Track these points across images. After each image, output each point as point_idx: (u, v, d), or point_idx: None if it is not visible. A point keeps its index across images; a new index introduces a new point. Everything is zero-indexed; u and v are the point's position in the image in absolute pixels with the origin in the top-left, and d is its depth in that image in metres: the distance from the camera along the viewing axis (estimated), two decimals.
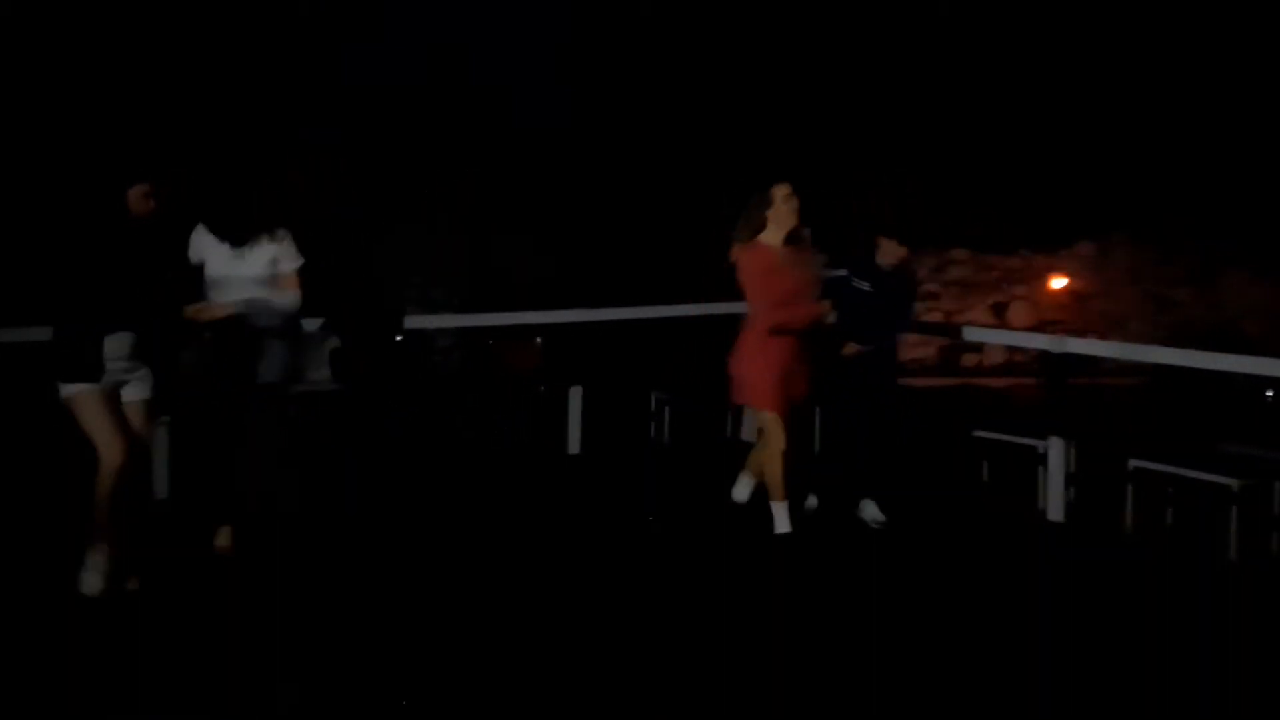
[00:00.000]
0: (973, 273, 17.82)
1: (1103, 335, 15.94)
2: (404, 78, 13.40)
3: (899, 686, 3.96)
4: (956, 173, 15.72)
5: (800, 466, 5.75)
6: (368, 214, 12.69)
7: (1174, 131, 16.01)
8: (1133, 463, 6.10)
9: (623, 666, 4.05)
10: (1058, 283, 17.84)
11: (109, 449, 4.51)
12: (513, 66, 13.92)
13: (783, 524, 5.46)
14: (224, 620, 4.40)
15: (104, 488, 4.51)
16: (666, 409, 8.54)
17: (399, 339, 7.99)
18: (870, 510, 6.02)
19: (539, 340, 8.41)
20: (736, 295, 5.72)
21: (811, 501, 6.12)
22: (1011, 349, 15.60)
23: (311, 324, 6.32)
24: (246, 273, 4.82)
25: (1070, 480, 6.44)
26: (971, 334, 10.54)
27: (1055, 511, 6.41)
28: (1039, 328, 16.33)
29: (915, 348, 16.28)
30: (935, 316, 17.19)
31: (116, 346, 4.54)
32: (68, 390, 4.53)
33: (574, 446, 8.08)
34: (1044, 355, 7.04)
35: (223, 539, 5.00)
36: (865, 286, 6.08)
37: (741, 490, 6.01)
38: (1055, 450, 6.44)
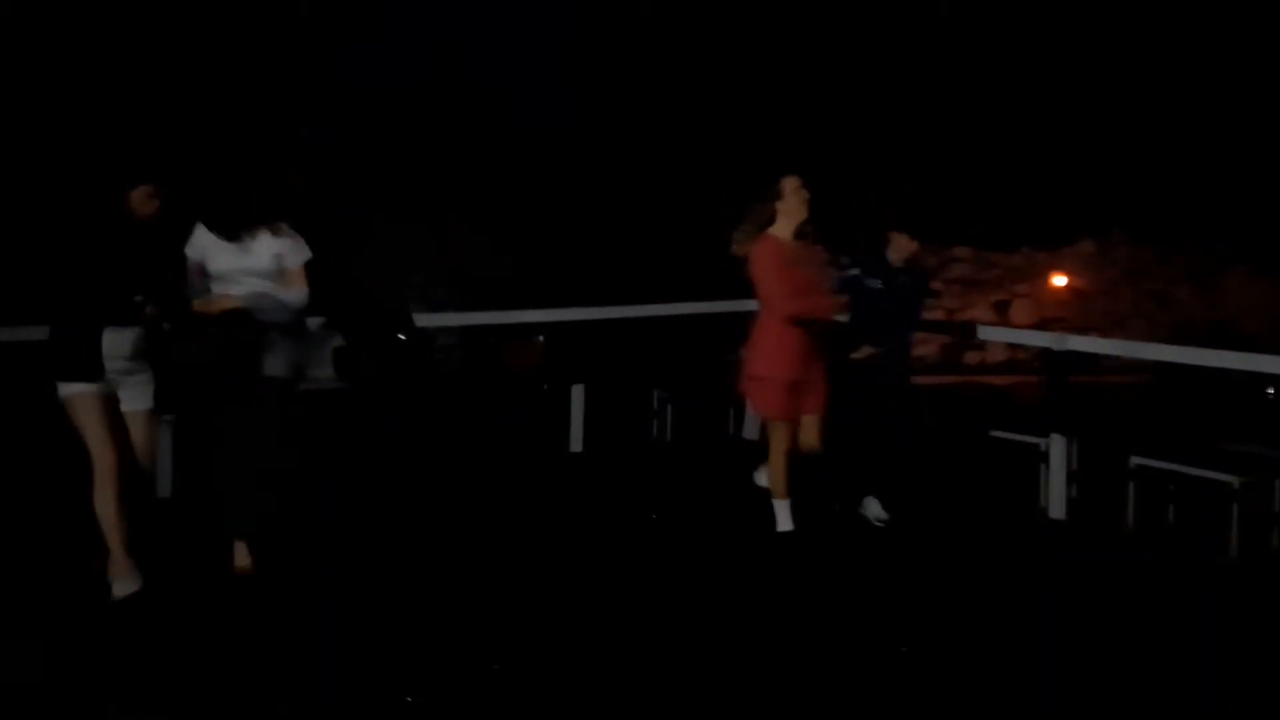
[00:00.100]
0: (974, 271, 17.84)
1: (1104, 333, 15.94)
2: (404, 78, 13.41)
3: (899, 685, 3.96)
4: (957, 172, 15.71)
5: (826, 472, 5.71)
6: (368, 214, 12.69)
7: (1174, 131, 16.01)
8: (1134, 460, 6.10)
9: (624, 665, 4.06)
10: (1059, 280, 17.85)
11: (101, 451, 4.46)
12: (513, 66, 13.93)
13: (784, 522, 5.45)
14: (225, 620, 4.40)
15: (104, 496, 4.46)
16: (669, 407, 8.54)
17: (402, 337, 7.99)
18: (873, 509, 6.01)
19: (541, 339, 8.41)
20: (736, 293, 5.69)
21: (874, 509, 6.00)
22: (1013, 346, 15.60)
23: (313, 322, 6.31)
24: (252, 266, 4.77)
25: (1072, 478, 6.45)
26: (987, 333, 10.55)
27: (1057, 509, 6.41)
28: (1040, 325, 16.34)
29: (917, 345, 16.23)
30: (937, 314, 17.18)
31: (118, 345, 4.49)
32: (66, 390, 4.49)
33: (576, 445, 8.09)
34: (1045, 353, 7.04)
35: (241, 558, 4.86)
36: (877, 284, 6.00)
37: (762, 476, 5.94)
38: (1057, 448, 6.44)
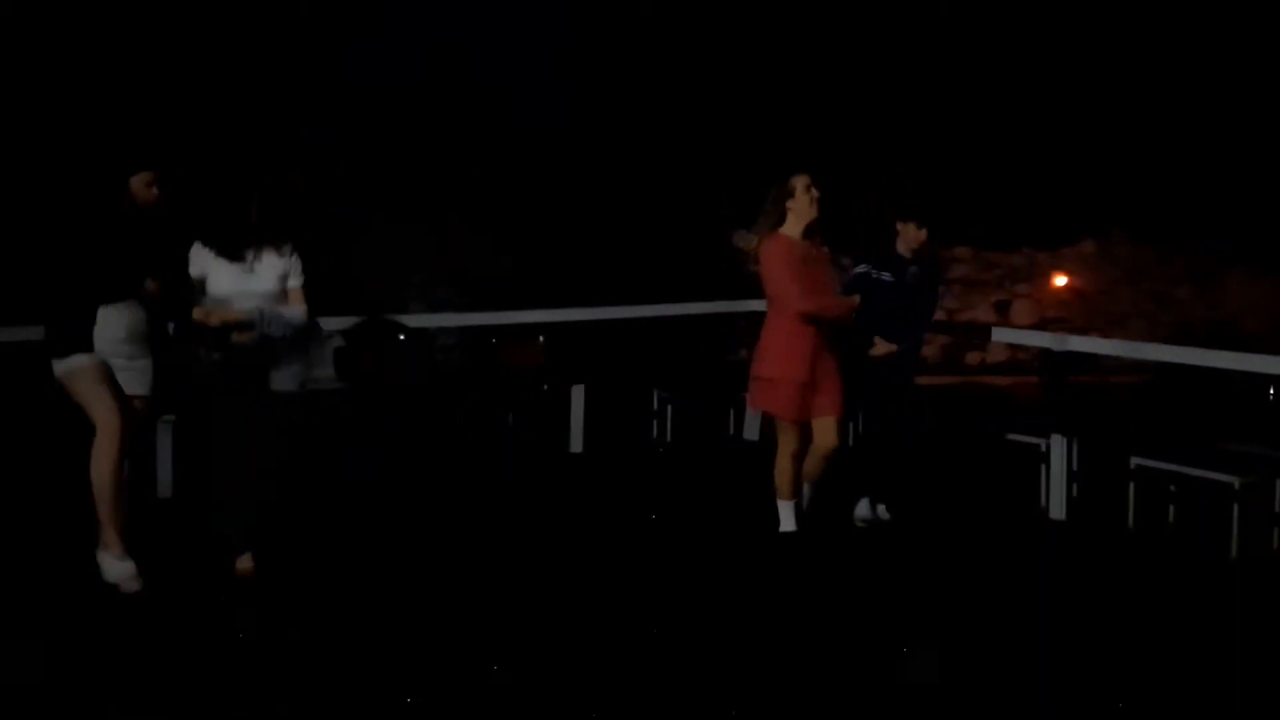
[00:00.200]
0: (975, 271, 17.82)
1: (1104, 333, 15.95)
2: (404, 78, 13.40)
3: (900, 684, 3.96)
4: (957, 171, 15.70)
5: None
6: (368, 214, 12.70)
7: (1174, 131, 16.01)
8: (1134, 460, 6.10)
9: (624, 666, 4.05)
10: (1059, 280, 17.84)
11: (108, 416, 4.35)
12: (513, 66, 13.92)
13: (787, 523, 5.42)
14: (225, 621, 4.40)
15: (102, 464, 4.35)
16: (669, 407, 8.54)
17: (401, 337, 7.98)
18: (878, 509, 5.98)
19: (541, 339, 8.41)
20: (736, 293, 5.67)
21: (863, 509, 5.97)
22: (1014, 346, 15.61)
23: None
24: (254, 288, 4.73)
25: (1072, 478, 6.44)
26: (1001, 334, 10.54)
27: (1057, 509, 6.41)
28: (1041, 325, 16.34)
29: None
30: (937, 316, 17.08)
31: (115, 325, 4.43)
32: (61, 366, 4.40)
33: (576, 445, 8.08)
34: (1045, 353, 7.04)
35: (243, 561, 4.85)
36: (887, 278, 5.88)
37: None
38: (1057, 448, 6.44)
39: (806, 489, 5.55)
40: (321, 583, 4.84)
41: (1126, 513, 6.10)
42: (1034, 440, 6.63)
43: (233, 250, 4.75)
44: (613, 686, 3.85)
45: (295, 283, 4.88)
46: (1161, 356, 7.02)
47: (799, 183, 5.35)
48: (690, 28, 15.07)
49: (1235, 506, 5.57)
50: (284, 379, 4.79)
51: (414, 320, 9.85)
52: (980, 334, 14.57)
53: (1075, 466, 6.46)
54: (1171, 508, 5.94)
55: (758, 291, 5.61)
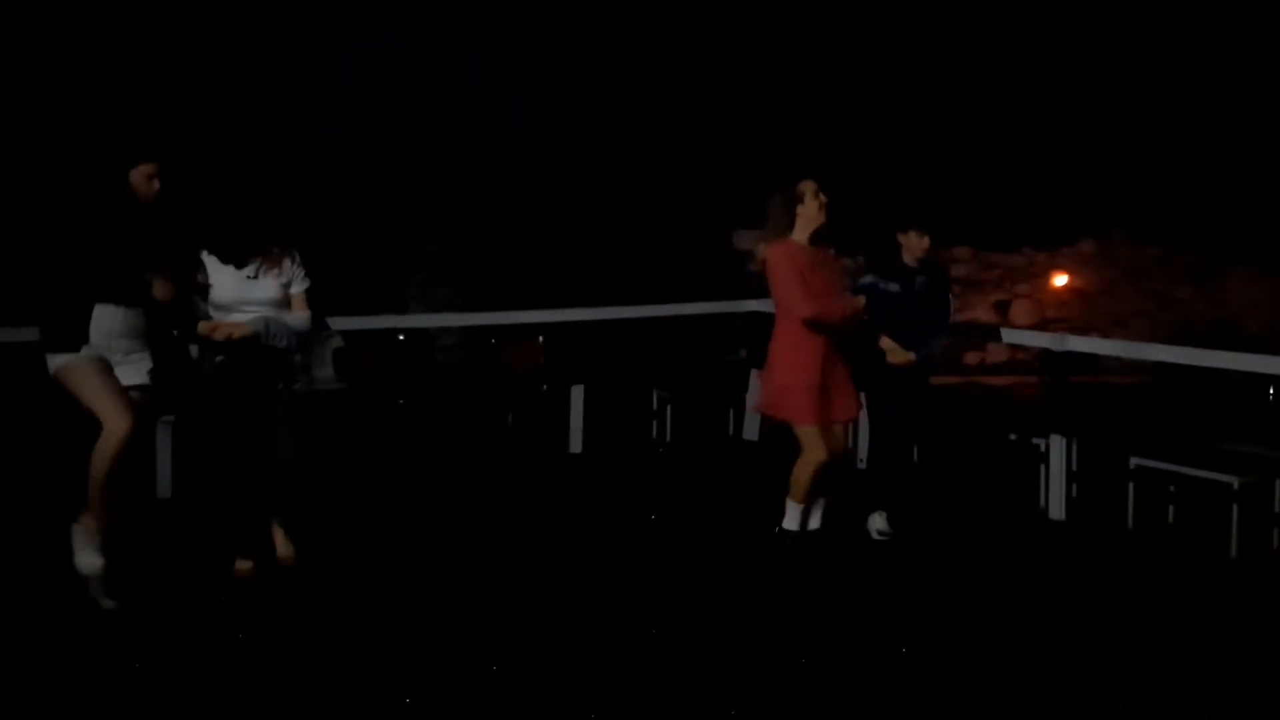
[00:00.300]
0: (975, 271, 17.80)
1: (1105, 333, 15.94)
2: (404, 78, 13.39)
3: (900, 685, 3.96)
4: (957, 172, 15.69)
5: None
6: (368, 214, 12.69)
7: (1175, 130, 16.00)
8: (1134, 460, 6.10)
9: (624, 666, 4.06)
10: (1059, 280, 17.84)
11: (115, 416, 4.23)
12: (513, 66, 13.91)
13: (791, 521, 5.40)
14: (225, 621, 4.40)
15: (103, 460, 4.25)
16: (669, 407, 8.54)
17: (401, 338, 7.99)
18: (878, 522, 5.87)
19: (540, 339, 8.41)
20: (736, 293, 5.67)
21: (879, 522, 5.87)
22: (1014, 346, 15.61)
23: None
24: (258, 295, 4.73)
25: (1072, 478, 6.45)
26: (1010, 336, 10.52)
27: (1057, 509, 6.42)
28: (1041, 326, 16.33)
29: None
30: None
31: (110, 321, 4.34)
32: (56, 362, 4.31)
33: (576, 445, 8.09)
34: (1045, 353, 7.05)
35: (241, 561, 4.87)
36: (894, 288, 5.80)
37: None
38: (1056, 448, 6.44)
39: (817, 506, 5.47)
40: (321, 583, 4.84)
41: (1126, 513, 6.10)
42: (1034, 440, 6.63)
43: (234, 255, 4.74)
44: (612, 686, 3.85)
45: (299, 288, 4.87)
46: (1161, 356, 7.02)
47: (807, 188, 5.34)
48: (690, 28, 15.07)
49: (1235, 507, 5.57)
50: (289, 387, 4.81)
51: (414, 320, 9.88)
52: (990, 334, 14.54)
53: (1075, 466, 6.46)
54: (1171, 508, 5.94)
55: (757, 292, 5.61)
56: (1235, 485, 5.58)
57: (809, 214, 5.32)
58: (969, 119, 16.10)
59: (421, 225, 12.94)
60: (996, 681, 4.00)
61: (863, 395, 5.77)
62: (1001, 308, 17.74)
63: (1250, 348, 7.13)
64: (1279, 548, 5.66)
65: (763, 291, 5.59)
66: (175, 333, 4.71)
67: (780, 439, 5.59)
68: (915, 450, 6.15)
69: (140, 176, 4.42)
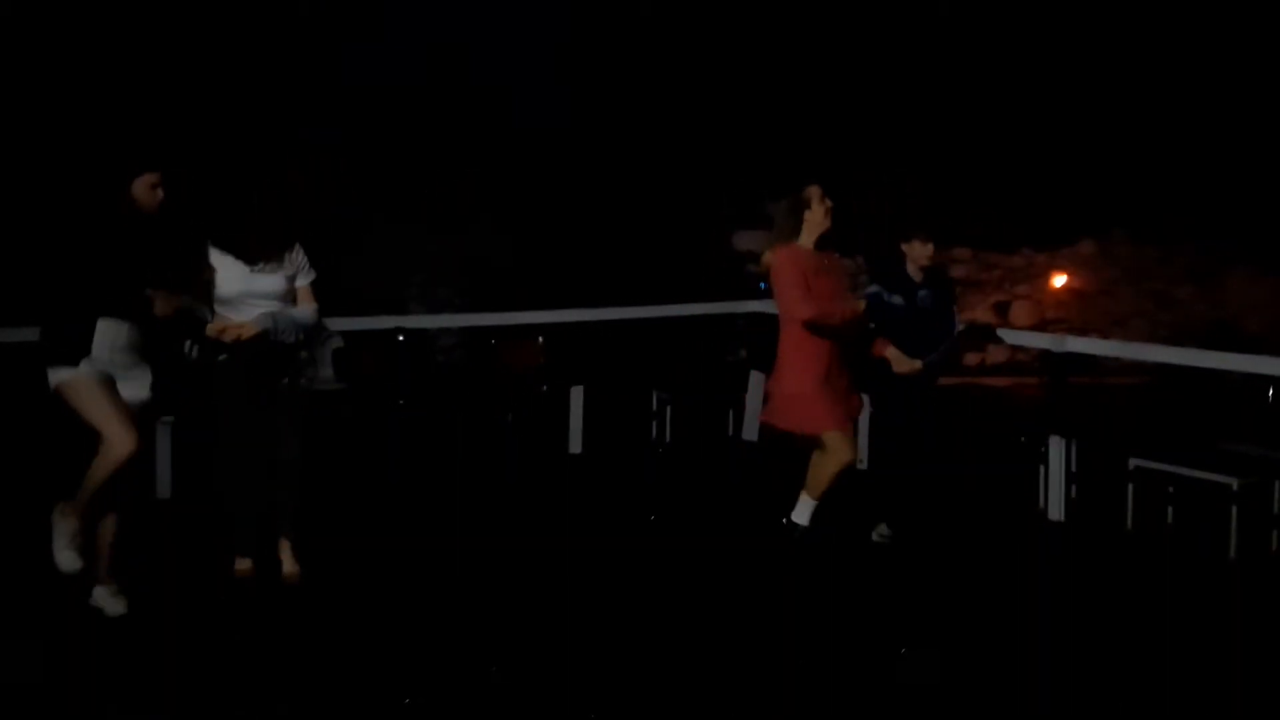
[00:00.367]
0: (974, 272, 17.78)
1: (1104, 333, 15.94)
2: (404, 78, 13.39)
3: (899, 685, 3.97)
4: (956, 172, 15.69)
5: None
6: (368, 214, 12.69)
7: (1174, 130, 16.00)
8: (1133, 461, 6.10)
9: (624, 666, 4.06)
10: (1059, 281, 17.83)
11: (120, 436, 4.17)
12: (513, 66, 13.91)
13: (802, 515, 5.36)
14: (225, 621, 4.40)
15: (100, 473, 4.20)
16: (668, 408, 8.54)
17: (401, 338, 7.98)
18: (884, 526, 5.89)
19: (540, 339, 8.40)
20: (736, 294, 5.67)
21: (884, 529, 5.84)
22: (1013, 347, 15.62)
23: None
24: (264, 288, 4.72)
25: (1071, 479, 6.45)
26: (1010, 337, 10.51)
27: (1056, 510, 6.42)
28: (1041, 326, 16.32)
29: None
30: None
31: (113, 335, 4.29)
32: (57, 376, 4.24)
33: (576, 446, 8.09)
34: (1045, 354, 7.05)
35: (243, 564, 4.86)
36: (898, 301, 5.72)
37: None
38: (1056, 449, 6.44)
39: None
40: (321, 582, 4.84)
41: (1125, 514, 6.10)
42: (1033, 441, 6.63)
43: (238, 249, 4.73)
44: (613, 686, 3.86)
45: (304, 281, 4.88)
46: (1161, 357, 7.03)
47: (813, 194, 5.34)
48: (690, 28, 15.07)
49: (1234, 508, 5.57)
50: (295, 385, 4.81)
51: (414, 320, 9.87)
52: (987, 335, 14.55)
53: (1074, 467, 6.46)
54: (1170, 509, 5.94)
55: (757, 292, 5.61)
56: (1235, 486, 5.58)
57: (815, 219, 5.33)
58: (969, 120, 16.09)
59: (421, 225, 12.94)
60: (996, 682, 4.01)
61: (865, 397, 5.76)
62: (1001, 309, 17.74)
63: (1250, 348, 7.14)
64: (1279, 549, 5.66)
65: (763, 293, 5.58)
66: (188, 343, 4.66)
67: (780, 440, 5.59)
68: (918, 454, 6.13)
69: (143, 187, 4.36)
